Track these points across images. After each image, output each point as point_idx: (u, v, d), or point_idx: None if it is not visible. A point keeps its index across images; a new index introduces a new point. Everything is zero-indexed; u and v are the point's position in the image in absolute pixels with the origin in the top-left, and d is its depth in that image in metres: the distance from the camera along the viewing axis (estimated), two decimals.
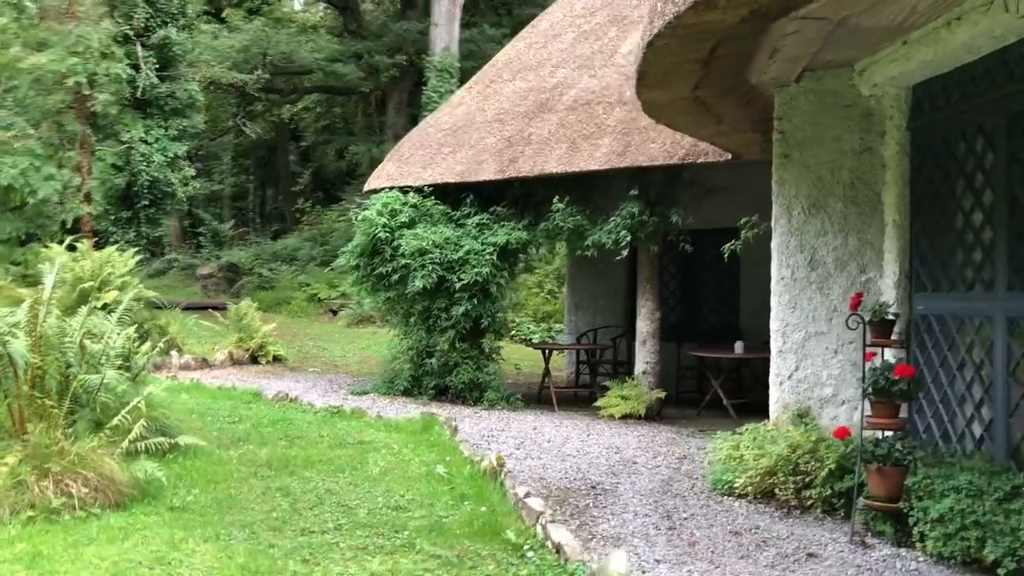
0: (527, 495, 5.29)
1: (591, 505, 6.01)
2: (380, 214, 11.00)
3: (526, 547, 4.62)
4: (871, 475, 5.14)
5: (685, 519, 5.69)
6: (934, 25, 5.34)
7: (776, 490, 5.99)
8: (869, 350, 5.36)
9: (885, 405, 5.15)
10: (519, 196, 11.04)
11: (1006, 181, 5.14)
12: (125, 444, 5.54)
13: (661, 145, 9.45)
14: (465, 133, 11.33)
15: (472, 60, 26.99)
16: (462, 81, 25.88)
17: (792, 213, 6.69)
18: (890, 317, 5.25)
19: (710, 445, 7.17)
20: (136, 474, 5.45)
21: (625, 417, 10.06)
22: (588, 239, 10.15)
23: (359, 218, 11.25)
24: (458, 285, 10.49)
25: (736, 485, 6.21)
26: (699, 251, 10.72)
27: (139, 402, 5.83)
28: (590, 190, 10.56)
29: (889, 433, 5.40)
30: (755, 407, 10.76)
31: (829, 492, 5.77)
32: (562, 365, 14.07)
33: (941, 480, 4.92)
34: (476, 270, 10.47)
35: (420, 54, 25.68)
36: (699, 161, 9.25)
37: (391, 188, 11.50)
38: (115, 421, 5.68)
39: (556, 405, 11.00)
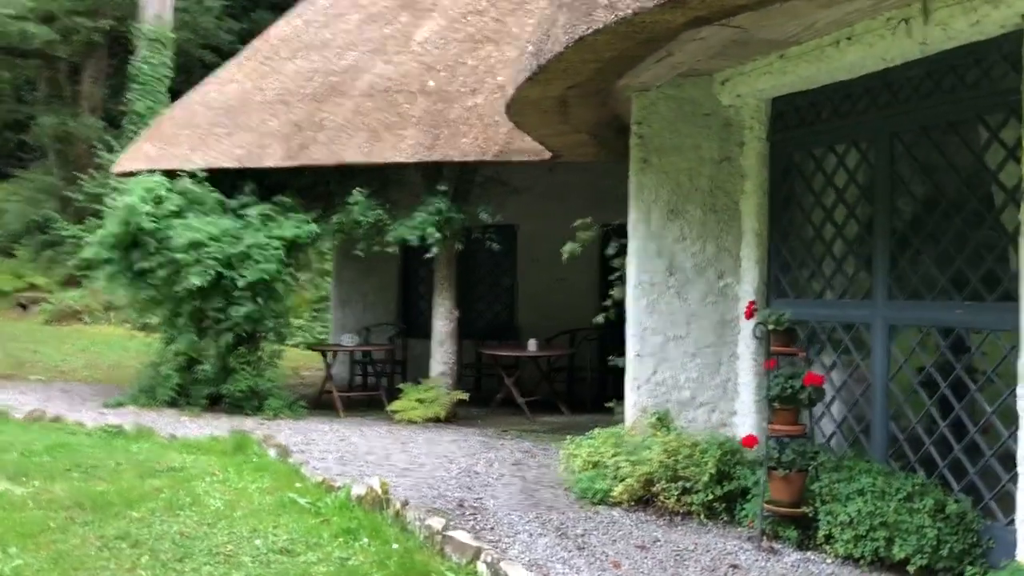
0: (447, 527, 4.78)
1: (476, 527, 5.60)
2: (144, 201, 9.67)
3: None
4: (776, 481, 5.24)
5: (582, 535, 5.47)
6: (818, 43, 5.53)
7: (660, 497, 5.95)
8: (771, 359, 5.45)
9: (789, 412, 5.26)
10: (307, 186, 10.23)
11: (887, 196, 5.45)
12: None
13: (473, 140, 9.15)
14: (243, 114, 10.28)
15: (186, 31, 24.96)
16: (176, 53, 23.85)
17: (651, 218, 6.69)
18: (792, 327, 5.37)
19: (562, 452, 7.01)
20: None
21: (426, 421, 9.67)
22: (390, 235, 9.62)
23: (117, 204, 9.80)
24: (241, 283, 9.49)
25: (614, 493, 6.09)
26: (475, 248, 10.44)
27: None
28: (387, 183, 10.02)
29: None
30: (545, 404, 10.89)
31: (711, 497, 5.83)
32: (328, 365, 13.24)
33: (844, 483, 5.12)
34: (261, 266, 9.54)
35: (126, 20, 23.21)
36: (514, 159, 9.07)
37: (151, 171, 10.15)
38: None
39: (341, 411, 10.35)
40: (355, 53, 10.51)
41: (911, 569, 4.71)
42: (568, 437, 7.09)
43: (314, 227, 9.83)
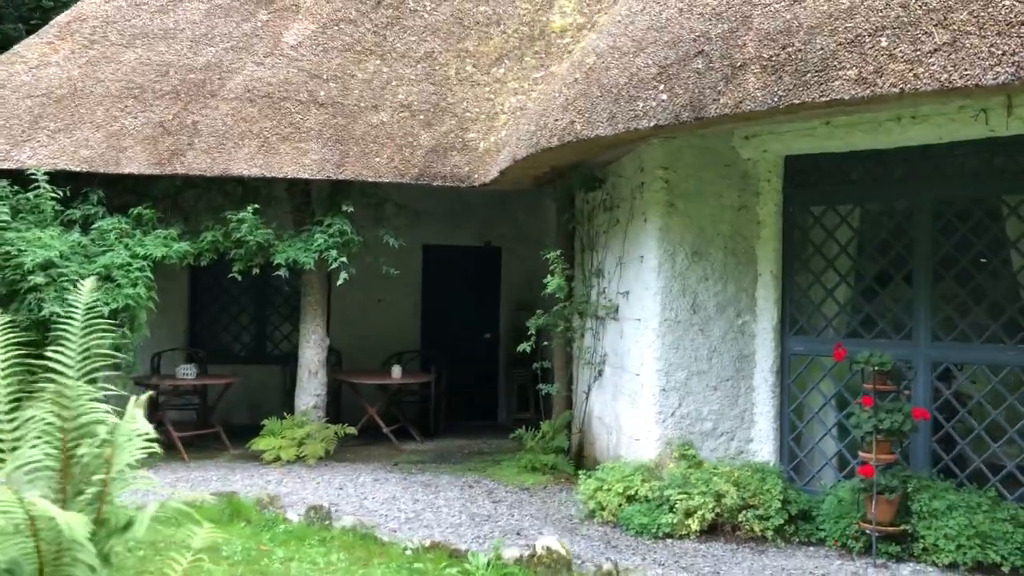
0: None
1: None
2: None
3: None
4: (881, 503, 5.90)
5: (718, 574, 5.67)
6: (874, 117, 6.32)
7: (741, 527, 6.32)
8: (868, 396, 6.06)
9: (888, 443, 5.97)
10: (165, 196, 8.77)
11: (929, 255, 6.41)
12: None
13: (388, 160, 8.62)
14: (81, 107, 8.49)
15: None
16: None
17: (676, 259, 7.02)
18: (888, 368, 6.06)
19: (582, 487, 7.01)
20: None
21: (303, 459, 8.82)
22: (278, 256, 8.63)
23: None
24: (106, 311, 7.88)
25: (690, 526, 6.32)
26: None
27: None
28: (269, 200, 8.98)
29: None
30: (403, 431, 10.47)
31: (782, 522, 6.35)
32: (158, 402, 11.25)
33: (935, 501, 5.95)
34: (127, 291, 8.02)
35: None
36: (435, 184, 8.70)
37: None
38: None
39: (184, 453, 9.05)
40: (213, 49, 9.22)
41: (1005, 569, 5.66)
42: (472, 466, 7.35)
43: (185, 246, 8.49)
